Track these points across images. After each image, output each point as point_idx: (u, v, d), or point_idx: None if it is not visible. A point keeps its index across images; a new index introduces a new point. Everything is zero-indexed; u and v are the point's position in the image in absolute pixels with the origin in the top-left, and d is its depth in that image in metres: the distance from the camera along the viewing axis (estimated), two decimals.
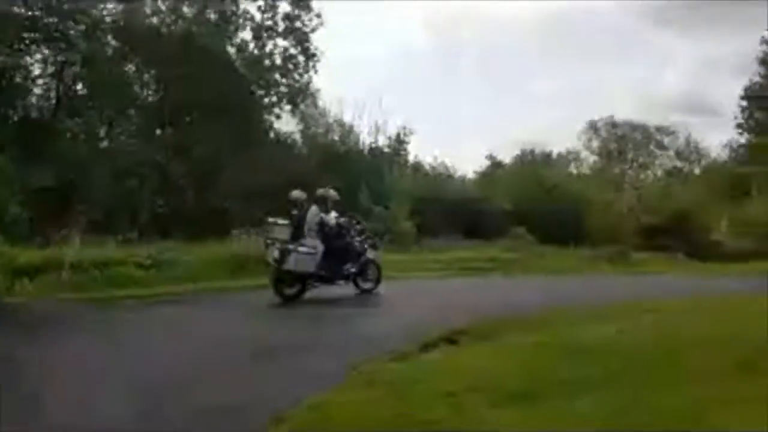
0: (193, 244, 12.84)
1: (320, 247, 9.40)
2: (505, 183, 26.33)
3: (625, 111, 60.31)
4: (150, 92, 18.53)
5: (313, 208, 9.59)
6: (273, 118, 19.17)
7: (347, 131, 20.22)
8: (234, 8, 18.83)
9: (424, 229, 17.41)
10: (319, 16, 18.96)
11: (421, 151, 31.28)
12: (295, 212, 9.68)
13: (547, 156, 41.86)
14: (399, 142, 20.00)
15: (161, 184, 16.27)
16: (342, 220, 9.97)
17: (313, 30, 19.10)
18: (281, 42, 19.06)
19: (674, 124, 40.48)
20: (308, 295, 9.52)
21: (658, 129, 40.15)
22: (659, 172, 39.90)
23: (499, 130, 61.07)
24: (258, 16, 18.92)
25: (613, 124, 41.07)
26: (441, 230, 18.03)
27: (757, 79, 23.83)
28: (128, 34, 16.90)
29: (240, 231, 14.01)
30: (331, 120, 20.43)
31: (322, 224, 9.53)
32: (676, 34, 59.24)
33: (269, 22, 18.94)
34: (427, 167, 23.30)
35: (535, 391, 4.30)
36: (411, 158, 22.16)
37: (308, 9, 19.10)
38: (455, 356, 5.78)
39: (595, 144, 42.07)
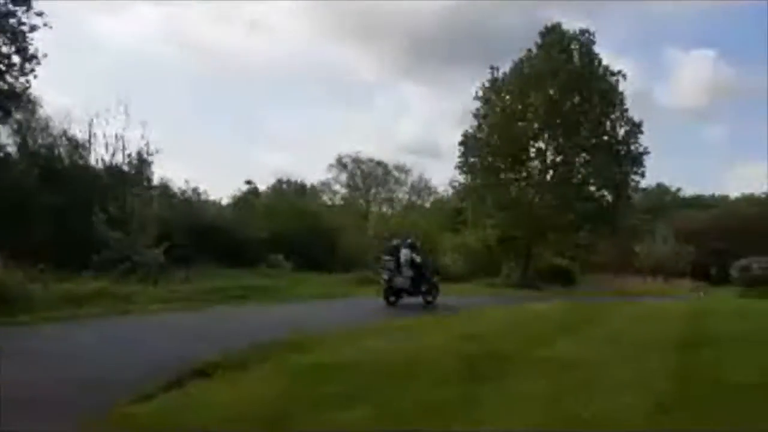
0: None
1: (410, 273, 14.14)
2: (262, 211, 25.96)
3: (369, 150, 66.42)
4: None
5: (406, 250, 14.36)
6: None
7: (76, 146, 17.31)
8: None
9: (176, 258, 15.60)
10: (40, 14, 16.00)
11: (168, 173, 28.85)
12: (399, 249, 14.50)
13: (302, 186, 43.16)
14: (141, 161, 17.76)
15: None
16: (420, 257, 14.51)
17: (32, 29, 16.05)
18: None
19: (409, 163, 45.86)
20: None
21: (396, 167, 45.06)
22: (397, 205, 44.40)
23: (252, 159, 61.28)
24: None
25: (357, 161, 44.69)
26: (194, 258, 16.60)
27: (470, 129, 28.28)
28: None
29: None
30: (55, 132, 17.29)
31: (412, 259, 14.24)
32: (415, 87, 68.02)
33: None
34: (177, 190, 21.22)
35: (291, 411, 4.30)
36: (156, 180, 19.80)
37: (27, 5, 15.99)
38: (210, 389, 5.16)
39: (343, 177, 45.17)
